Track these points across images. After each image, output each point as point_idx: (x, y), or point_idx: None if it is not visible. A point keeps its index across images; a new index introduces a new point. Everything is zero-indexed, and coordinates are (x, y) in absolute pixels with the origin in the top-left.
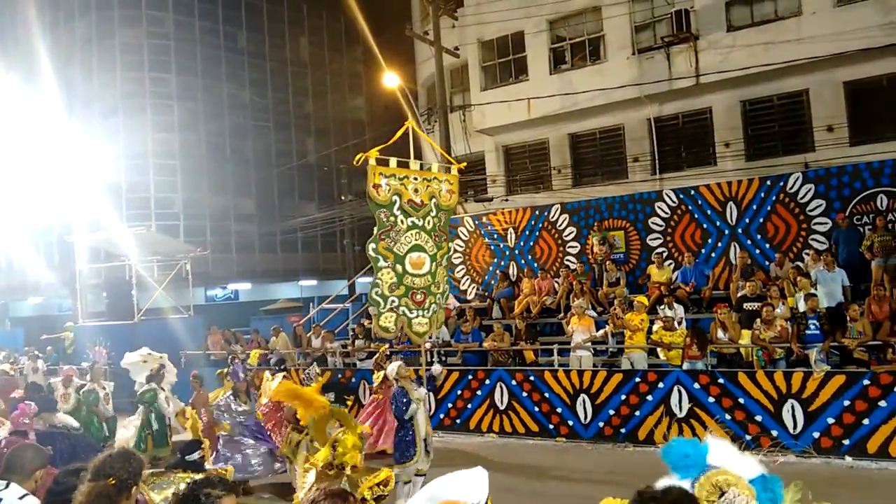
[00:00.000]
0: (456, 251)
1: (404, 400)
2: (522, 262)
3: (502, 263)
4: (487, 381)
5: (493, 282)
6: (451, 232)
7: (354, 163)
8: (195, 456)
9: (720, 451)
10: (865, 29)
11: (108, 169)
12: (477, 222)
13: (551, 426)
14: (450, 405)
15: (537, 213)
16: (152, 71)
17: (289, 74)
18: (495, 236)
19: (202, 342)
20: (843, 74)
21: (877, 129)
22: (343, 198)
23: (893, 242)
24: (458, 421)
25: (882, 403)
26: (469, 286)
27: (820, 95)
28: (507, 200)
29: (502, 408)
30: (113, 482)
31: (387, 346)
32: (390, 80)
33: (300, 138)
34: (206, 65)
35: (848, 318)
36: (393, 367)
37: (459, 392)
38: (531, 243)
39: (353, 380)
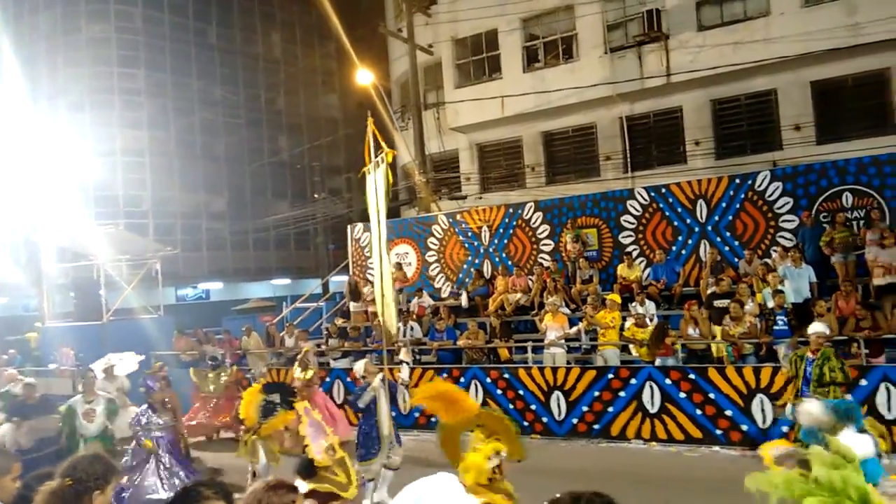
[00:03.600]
0: (430, 249)
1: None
2: (497, 259)
3: (476, 261)
4: (462, 379)
5: (467, 280)
6: (426, 230)
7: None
8: None
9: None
10: (832, 29)
11: (74, 166)
12: (451, 220)
13: (526, 423)
14: (423, 406)
15: (511, 210)
16: (121, 66)
17: (260, 70)
18: (469, 234)
19: (173, 343)
20: (811, 74)
21: (843, 127)
22: (316, 196)
23: (851, 238)
24: (432, 419)
25: (848, 398)
26: (444, 284)
27: (788, 95)
28: (480, 198)
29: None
30: (70, 483)
31: (311, 344)
32: (363, 77)
33: (272, 135)
34: (175, 60)
35: (815, 313)
36: (360, 365)
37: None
38: (505, 241)
39: (328, 379)
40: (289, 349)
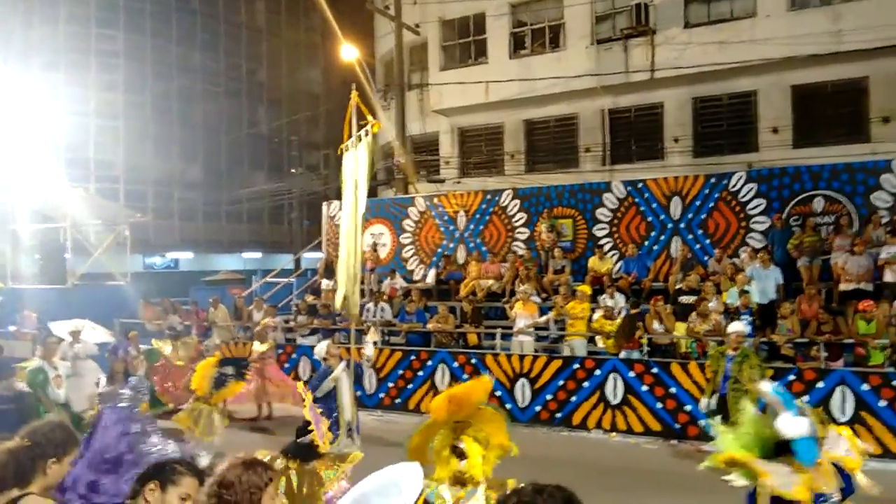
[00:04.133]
0: (405, 231)
1: (324, 378)
2: (471, 245)
3: (451, 246)
4: (430, 362)
5: (440, 263)
6: (402, 212)
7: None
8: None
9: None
10: (815, 35)
11: (46, 126)
12: (428, 203)
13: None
14: (391, 384)
15: (489, 197)
16: (99, 27)
17: (243, 39)
18: (446, 218)
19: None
20: (792, 78)
21: (819, 133)
22: (293, 170)
23: (819, 243)
24: (397, 401)
25: (805, 398)
26: (417, 267)
27: (768, 97)
28: (459, 182)
29: (443, 389)
30: (27, 444)
31: (271, 319)
32: (348, 52)
33: (252, 106)
34: (156, 23)
35: (779, 315)
36: (322, 346)
37: (401, 372)
38: (481, 227)
39: (294, 356)
40: (256, 323)
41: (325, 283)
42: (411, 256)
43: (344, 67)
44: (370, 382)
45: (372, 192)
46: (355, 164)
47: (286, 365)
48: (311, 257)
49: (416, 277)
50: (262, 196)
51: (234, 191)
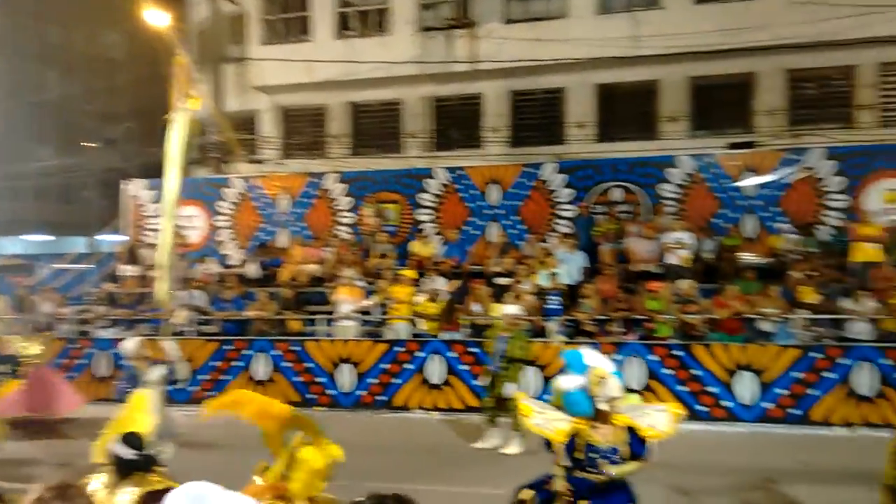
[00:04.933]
0: (221, 213)
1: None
2: (293, 229)
3: (271, 229)
4: (248, 351)
5: (259, 247)
6: (217, 193)
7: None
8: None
9: (591, 355)
10: (618, 38)
11: None
12: (247, 184)
13: (312, 396)
14: (204, 377)
15: (313, 180)
16: None
17: None
18: (265, 201)
19: None
20: (597, 77)
21: (619, 130)
22: (89, 144)
23: (618, 230)
24: (211, 394)
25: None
26: (233, 251)
27: (575, 94)
28: (280, 164)
29: (260, 378)
30: None
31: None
32: (155, 17)
33: (40, 70)
34: None
35: (582, 295)
36: (132, 346)
37: (215, 364)
38: (303, 210)
39: (90, 351)
40: (45, 315)
41: (129, 270)
42: (227, 240)
43: (151, 34)
44: (183, 379)
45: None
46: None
47: (81, 362)
48: (108, 240)
49: (233, 262)
50: (51, 172)
51: (16, 165)
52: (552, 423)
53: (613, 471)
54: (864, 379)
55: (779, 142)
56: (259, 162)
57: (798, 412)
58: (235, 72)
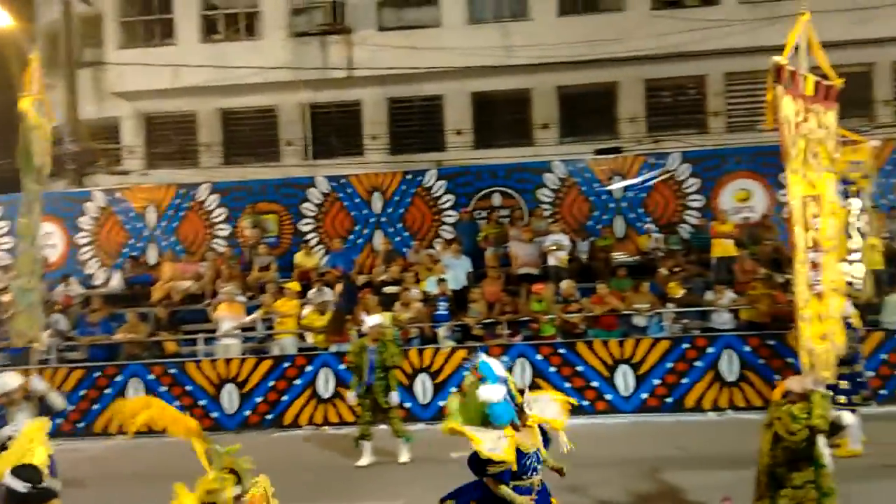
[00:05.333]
0: (82, 229)
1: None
2: (164, 244)
3: (139, 245)
4: (119, 377)
5: (127, 265)
6: (77, 208)
7: None
8: None
9: (495, 362)
10: (490, 48)
11: None
12: (110, 197)
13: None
14: (70, 408)
15: (183, 191)
16: None
17: None
18: (132, 214)
19: None
20: (472, 86)
21: (495, 137)
22: None
23: (500, 234)
24: (80, 425)
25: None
26: (98, 270)
27: (452, 102)
28: (146, 175)
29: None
30: None
31: None
32: None
33: None
34: None
35: (470, 300)
36: (6, 380)
37: (84, 392)
38: (175, 224)
39: None
40: None
41: None
42: (90, 259)
43: None
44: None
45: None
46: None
47: None
48: None
49: (98, 282)
50: None
51: None
52: (499, 443)
53: (540, 471)
54: (729, 366)
55: (641, 147)
56: (123, 173)
57: (672, 401)
58: (92, 76)
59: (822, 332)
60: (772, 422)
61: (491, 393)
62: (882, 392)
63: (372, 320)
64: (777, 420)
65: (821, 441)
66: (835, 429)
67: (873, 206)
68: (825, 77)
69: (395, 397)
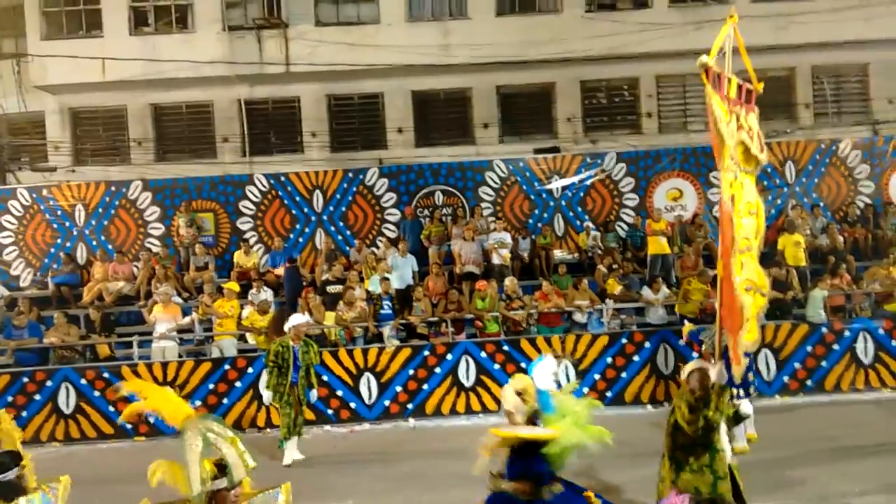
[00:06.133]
0: (5, 229)
1: None
2: (94, 243)
3: (68, 245)
4: (49, 383)
5: (54, 265)
6: None
7: None
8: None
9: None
10: (429, 46)
11: None
12: (35, 195)
13: (129, 426)
14: None
15: (113, 188)
16: None
17: None
18: (59, 213)
19: None
20: (412, 84)
21: (436, 135)
22: None
23: (445, 232)
24: None
25: (437, 370)
26: (24, 271)
27: (393, 100)
28: (73, 171)
29: (68, 412)
30: None
31: None
32: None
33: None
34: None
35: (414, 298)
36: None
37: (10, 398)
38: (105, 222)
39: None
40: None
41: None
42: (15, 259)
43: None
44: None
45: None
46: None
47: None
48: None
49: (24, 284)
50: None
51: None
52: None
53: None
54: (664, 359)
55: (578, 147)
56: (49, 170)
57: (611, 394)
58: (13, 69)
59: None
60: (674, 409)
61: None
62: (808, 383)
63: (294, 319)
64: (678, 408)
65: (723, 428)
66: (737, 418)
67: (798, 205)
68: (749, 80)
69: (313, 395)
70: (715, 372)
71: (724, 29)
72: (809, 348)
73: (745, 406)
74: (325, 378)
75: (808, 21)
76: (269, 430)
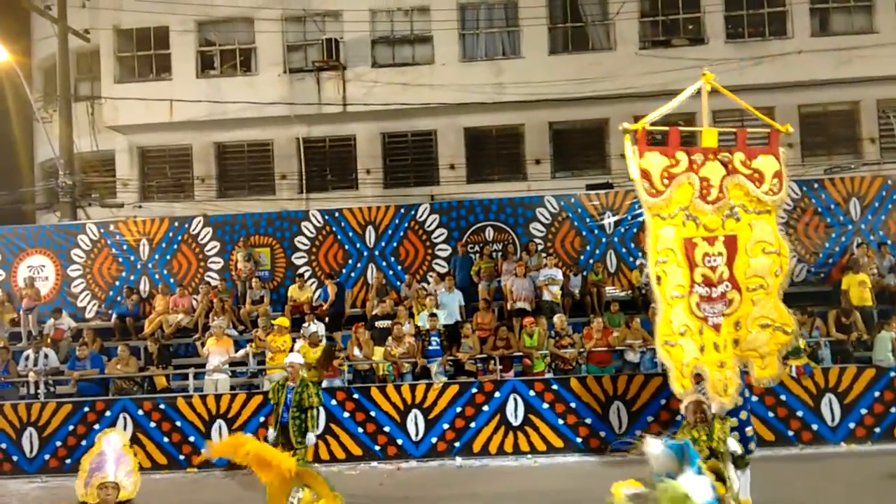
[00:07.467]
0: (74, 262)
1: None
2: (157, 276)
3: (132, 278)
4: (108, 413)
5: (119, 298)
6: (70, 240)
7: None
8: None
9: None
10: (482, 85)
11: None
12: (103, 230)
13: (182, 457)
14: (58, 443)
15: (176, 224)
16: None
17: None
18: (125, 247)
19: None
20: (464, 121)
21: (487, 171)
22: None
23: (495, 268)
24: (67, 462)
25: (485, 408)
26: (89, 303)
27: (445, 137)
28: (140, 207)
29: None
30: None
31: None
32: None
33: None
34: None
35: (462, 334)
36: None
37: (71, 428)
38: (168, 256)
39: None
40: None
41: None
42: (82, 291)
43: None
44: (30, 443)
45: (29, 217)
46: None
47: None
48: None
49: (89, 315)
50: None
51: None
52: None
53: None
54: None
55: (631, 182)
56: (117, 206)
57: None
58: (88, 110)
59: (718, 360)
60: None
61: (702, 489)
62: (876, 430)
63: (289, 359)
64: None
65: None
66: (733, 458)
67: (863, 243)
68: (768, 126)
69: (311, 439)
70: (716, 404)
71: (690, 89)
72: (877, 393)
73: (731, 443)
74: (372, 413)
75: (873, 54)
76: (316, 464)
